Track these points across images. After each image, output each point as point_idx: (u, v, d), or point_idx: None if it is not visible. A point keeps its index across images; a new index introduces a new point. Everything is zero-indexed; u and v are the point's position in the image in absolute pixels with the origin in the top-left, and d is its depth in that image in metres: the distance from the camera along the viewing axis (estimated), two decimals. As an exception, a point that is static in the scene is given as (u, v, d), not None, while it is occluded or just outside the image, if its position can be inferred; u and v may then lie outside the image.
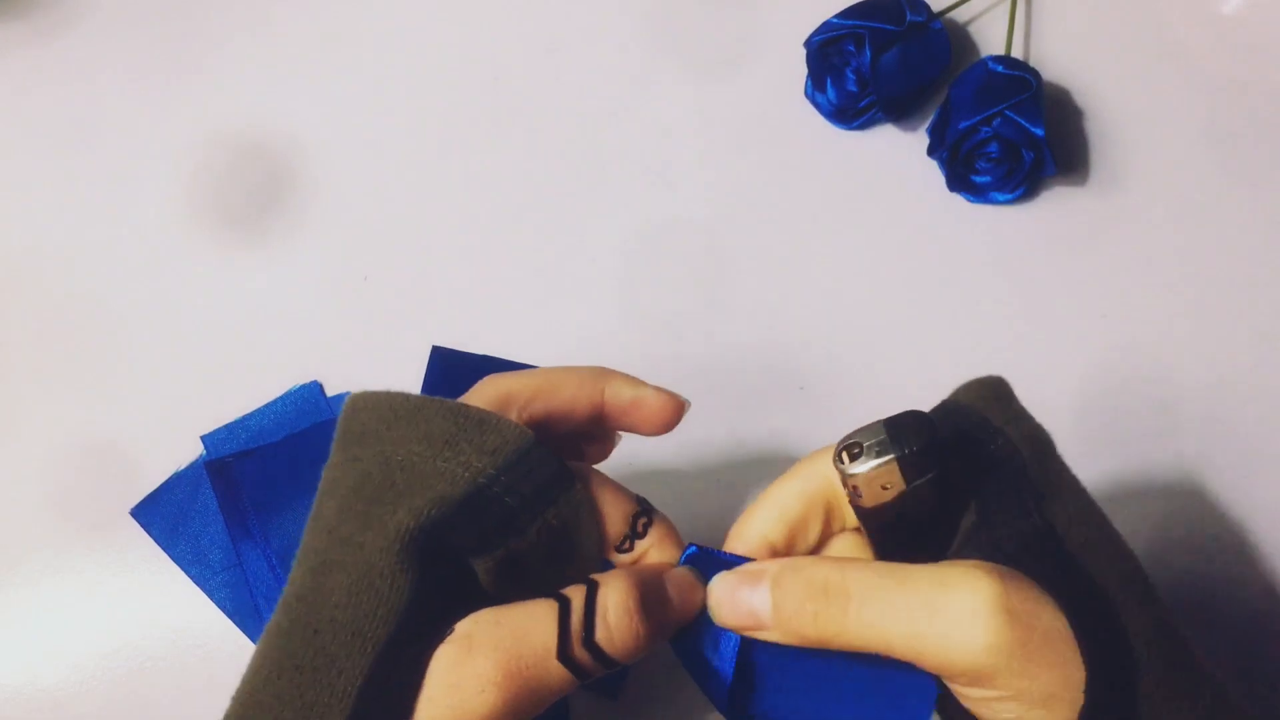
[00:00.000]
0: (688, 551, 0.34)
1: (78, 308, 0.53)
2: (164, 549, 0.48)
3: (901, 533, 0.33)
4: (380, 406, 0.34)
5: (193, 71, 0.57)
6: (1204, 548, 0.49)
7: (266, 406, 0.50)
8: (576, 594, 0.31)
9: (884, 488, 0.31)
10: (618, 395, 0.36)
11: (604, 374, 0.36)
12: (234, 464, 0.49)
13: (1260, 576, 0.48)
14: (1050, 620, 0.29)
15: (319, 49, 0.58)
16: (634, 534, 0.34)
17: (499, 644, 0.30)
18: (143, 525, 0.49)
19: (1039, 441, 0.34)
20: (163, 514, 0.49)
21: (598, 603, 0.31)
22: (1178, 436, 0.50)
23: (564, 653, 0.30)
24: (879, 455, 0.30)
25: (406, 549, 0.30)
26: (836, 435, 0.32)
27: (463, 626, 0.30)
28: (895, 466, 0.30)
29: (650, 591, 0.32)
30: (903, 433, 0.30)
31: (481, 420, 0.33)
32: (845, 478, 0.31)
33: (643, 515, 0.35)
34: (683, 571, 0.34)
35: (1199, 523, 0.49)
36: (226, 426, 0.50)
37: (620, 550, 0.35)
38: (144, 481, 0.49)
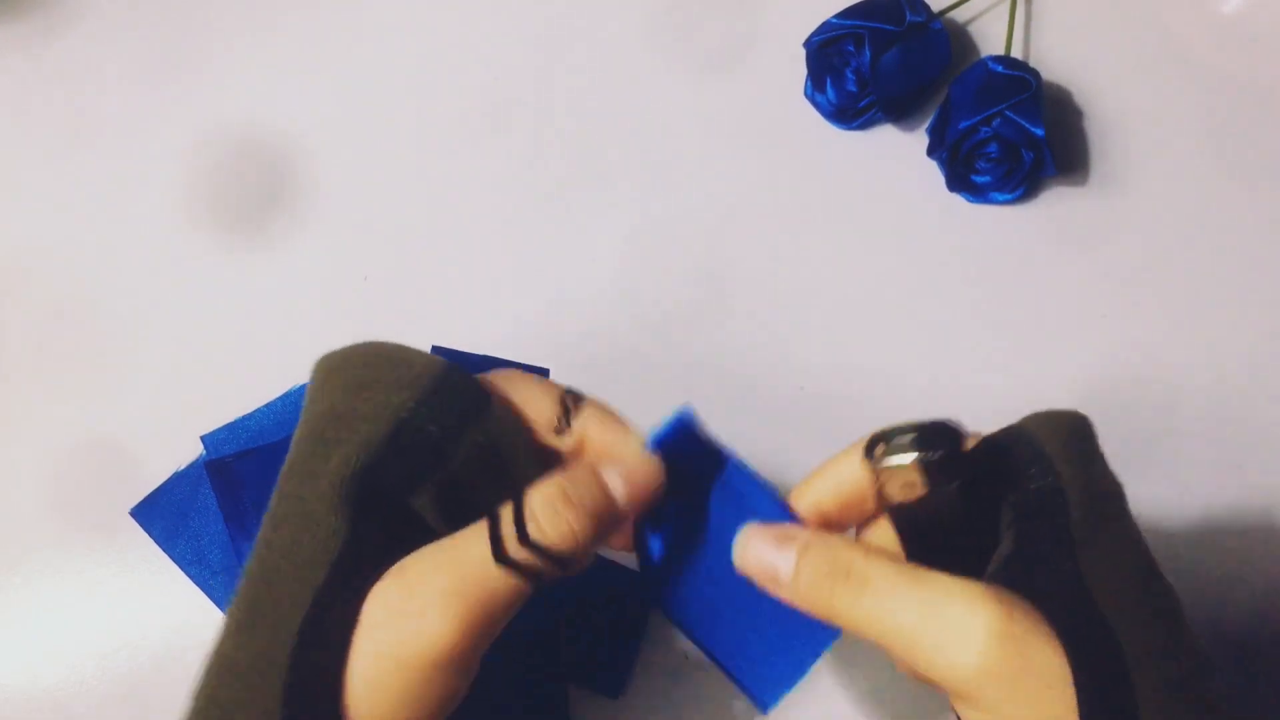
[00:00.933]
0: (664, 429, 0.34)
1: (78, 308, 0.53)
2: (164, 549, 0.48)
3: (929, 539, 0.33)
4: (320, 364, 0.36)
5: (193, 71, 0.57)
6: (1203, 547, 0.49)
7: (266, 406, 0.50)
8: (506, 504, 0.32)
9: (905, 485, 0.31)
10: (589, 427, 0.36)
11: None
12: (234, 464, 0.49)
13: (1260, 576, 0.48)
14: (1047, 657, 0.29)
15: (319, 49, 0.58)
16: (566, 413, 0.35)
17: (438, 566, 0.31)
18: (143, 525, 0.49)
19: (1103, 491, 0.33)
20: (163, 514, 0.49)
21: (525, 504, 0.32)
22: (1177, 436, 0.50)
23: (499, 554, 0.31)
24: (903, 453, 0.31)
25: (342, 497, 0.31)
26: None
27: (399, 563, 0.31)
28: (917, 468, 0.31)
29: (579, 483, 0.32)
30: (930, 437, 0.31)
31: (391, 356, 0.34)
32: (870, 468, 0.32)
33: (570, 393, 0.36)
34: (634, 460, 0.34)
35: (1199, 522, 0.49)
36: (226, 426, 0.50)
37: (559, 434, 0.35)
38: (144, 481, 0.49)
